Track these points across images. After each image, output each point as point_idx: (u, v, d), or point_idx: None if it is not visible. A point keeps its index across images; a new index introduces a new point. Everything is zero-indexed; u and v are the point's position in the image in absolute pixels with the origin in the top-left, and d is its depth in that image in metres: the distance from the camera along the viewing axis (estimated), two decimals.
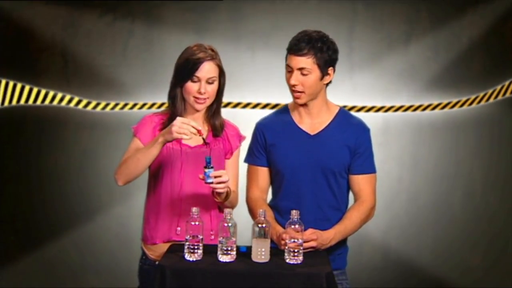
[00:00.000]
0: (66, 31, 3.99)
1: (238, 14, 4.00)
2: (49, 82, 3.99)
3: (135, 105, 4.02)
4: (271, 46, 3.89)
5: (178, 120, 2.20)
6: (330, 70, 2.45)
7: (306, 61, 2.39)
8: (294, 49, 2.39)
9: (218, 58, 2.37)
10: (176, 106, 2.40)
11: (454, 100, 3.99)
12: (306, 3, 3.99)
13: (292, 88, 2.43)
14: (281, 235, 2.28)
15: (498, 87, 3.96)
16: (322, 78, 2.44)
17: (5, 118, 4.00)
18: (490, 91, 3.98)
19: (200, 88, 2.33)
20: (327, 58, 2.41)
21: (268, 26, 3.97)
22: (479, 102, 3.97)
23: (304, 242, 2.23)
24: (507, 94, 3.94)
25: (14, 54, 3.99)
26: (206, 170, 2.23)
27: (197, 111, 2.41)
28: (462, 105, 3.99)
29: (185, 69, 2.33)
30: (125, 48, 4.01)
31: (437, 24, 3.97)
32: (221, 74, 2.39)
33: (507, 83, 3.94)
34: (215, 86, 2.36)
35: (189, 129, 2.17)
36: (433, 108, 4.00)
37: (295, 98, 2.45)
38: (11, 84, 3.92)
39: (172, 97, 2.41)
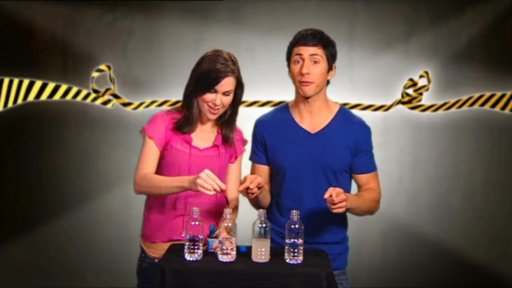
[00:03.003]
0: (66, 31, 3.99)
1: (238, 14, 4.00)
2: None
3: (141, 103, 4.01)
4: (271, 46, 3.89)
5: (205, 174, 2.19)
6: (334, 65, 2.50)
7: (317, 50, 2.44)
8: (305, 40, 2.44)
9: (237, 69, 2.39)
10: (192, 112, 2.41)
11: (453, 100, 3.99)
12: (306, 3, 3.99)
13: (302, 79, 2.44)
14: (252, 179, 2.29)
15: (498, 94, 3.96)
16: (328, 72, 2.47)
17: (5, 118, 4.00)
18: (488, 94, 3.97)
19: (216, 99, 2.36)
20: (333, 52, 2.48)
21: (268, 26, 3.97)
22: (482, 104, 3.97)
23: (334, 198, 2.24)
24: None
25: (14, 54, 3.99)
26: (209, 240, 2.26)
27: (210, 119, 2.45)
28: (461, 106, 3.99)
29: (205, 81, 2.35)
30: (125, 48, 4.01)
31: (437, 24, 3.97)
32: (238, 86, 2.41)
33: (508, 93, 3.94)
34: (230, 97, 2.39)
35: (213, 185, 2.18)
36: (433, 108, 4.00)
37: (303, 88, 2.45)
38: (15, 81, 3.91)
39: (188, 102, 2.42)
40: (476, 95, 3.95)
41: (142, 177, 2.36)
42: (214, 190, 2.18)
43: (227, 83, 2.35)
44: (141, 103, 4.00)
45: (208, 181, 2.17)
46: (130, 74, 4.01)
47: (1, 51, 3.97)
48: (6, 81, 3.89)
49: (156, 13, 3.99)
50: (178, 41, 3.98)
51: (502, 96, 3.93)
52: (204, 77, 2.35)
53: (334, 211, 2.26)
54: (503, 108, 3.93)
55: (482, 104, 3.94)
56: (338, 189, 2.26)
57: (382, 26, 3.99)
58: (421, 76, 3.96)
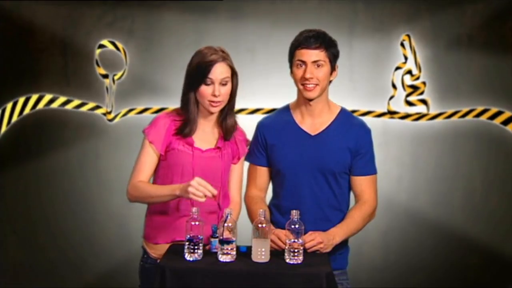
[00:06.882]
0: (66, 31, 3.99)
1: (238, 14, 4.00)
2: (49, 82, 3.99)
3: (146, 109, 4.00)
4: (271, 46, 3.90)
5: (196, 181, 2.17)
6: (336, 66, 2.49)
7: (320, 54, 2.42)
8: (307, 43, 2.41)
9: (229, 58, 2.37)
10: (189, 111, 2.39)
11: (466, 111, 3.98)
12: (306, 3, 3.99)
13: (306, 82, 2.43)
14: (280, 236, 2.29)
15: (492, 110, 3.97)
16: (331, 73, 2.47)
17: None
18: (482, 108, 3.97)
19: (214, 90, 2.33)
20: (335, 53, 2.47)
21: (268, 26, 3.97)
22: (477, 115, 3.97)
23: (306, 243, 2.25)
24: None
25: (14, 54, 3.99)
26: (212, 240, 2.25)
27: (212, 113, 2.42)
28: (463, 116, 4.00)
29: (198, 73, 2.33)
30: (125, 48, 4.00)
31: (437, 24, 3.97)
32: (233, 74, 2.39)
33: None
34: (228, 87, 2.37)
35: (205, 192, 2.16)
36: (433, 118, 3.99)
37: (308, 91, 2.44)
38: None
39: (185, 101, 2.40)
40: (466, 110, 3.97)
41: (134, 186, 2.36)
42: (206, 196, 2.17)
43: (221, 70, 2.33)
44: (130, 109, 3.99)
45: (199, 188, 2.16)
46: (130, 74, 4.01)
47: (1, 51, 3.97)
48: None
49: (156, 13, 3.99)
50: (178, 41, 3.98)
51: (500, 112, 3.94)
52: (197, 69, 2.33)
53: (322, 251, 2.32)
54: (504, 123, 3.93)
55: (478, 115, 3.95)
56: (308, 234, 2.30)
57: (382, 26, 3.99)
58: (402, 42, 3.93)
